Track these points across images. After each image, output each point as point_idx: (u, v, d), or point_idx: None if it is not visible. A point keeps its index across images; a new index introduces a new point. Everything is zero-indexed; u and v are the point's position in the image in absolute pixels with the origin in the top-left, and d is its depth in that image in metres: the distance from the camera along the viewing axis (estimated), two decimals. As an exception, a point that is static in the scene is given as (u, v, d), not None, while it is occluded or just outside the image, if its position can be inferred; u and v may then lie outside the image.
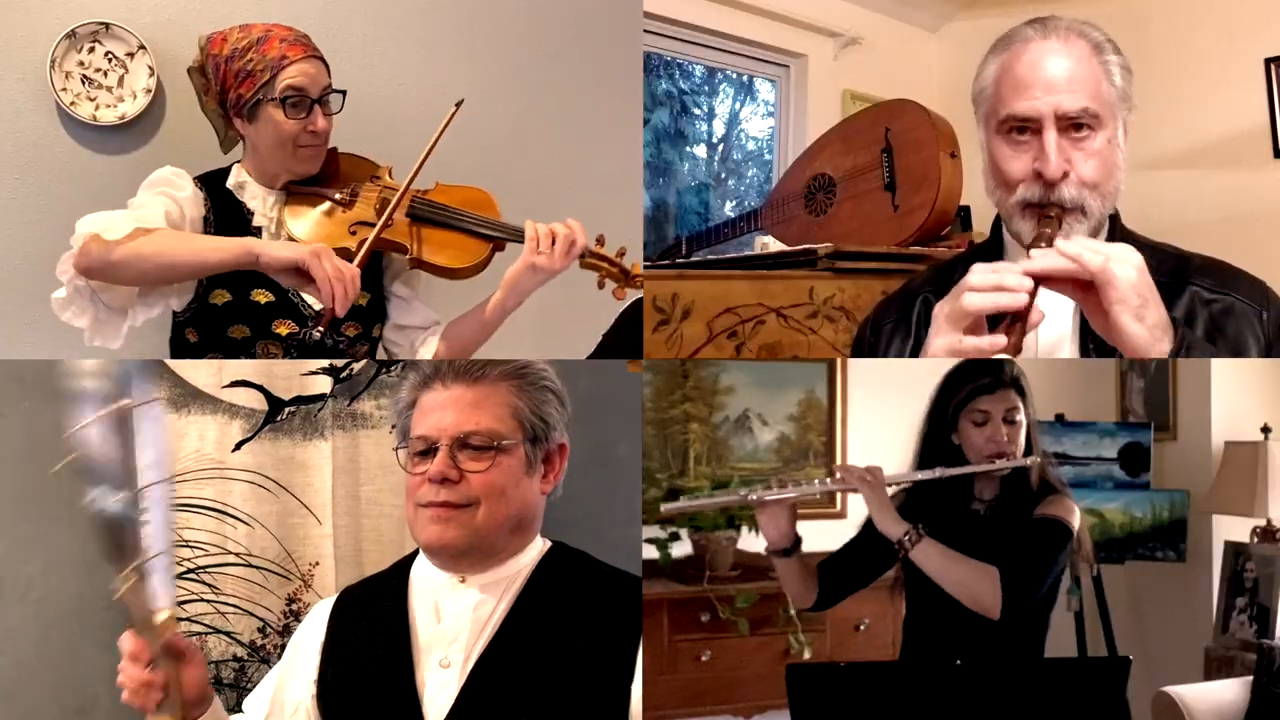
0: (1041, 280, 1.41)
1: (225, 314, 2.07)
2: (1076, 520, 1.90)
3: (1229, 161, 3.59)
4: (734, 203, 4.53)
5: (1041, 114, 1.54)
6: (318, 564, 2.22)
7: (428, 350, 2.23)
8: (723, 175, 4.60)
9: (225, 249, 1.96)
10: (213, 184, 2.13)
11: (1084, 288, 1.41)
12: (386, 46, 2.65)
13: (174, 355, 2.17)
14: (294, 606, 2.21)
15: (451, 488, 1.41)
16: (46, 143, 2.38)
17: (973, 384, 1.90)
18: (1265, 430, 3.26)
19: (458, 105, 2.17)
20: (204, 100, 2.15)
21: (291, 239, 2.10)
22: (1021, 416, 1.91)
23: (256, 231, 2.13)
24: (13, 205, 2.34)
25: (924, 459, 1.98)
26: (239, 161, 2.17)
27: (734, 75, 4.36)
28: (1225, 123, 3.59)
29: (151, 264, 1.93)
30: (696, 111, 4.43)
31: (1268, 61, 3.48)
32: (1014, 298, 1.40)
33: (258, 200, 2.14)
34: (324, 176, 2.17)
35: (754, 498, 1.90)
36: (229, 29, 2.10)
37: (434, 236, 2.17)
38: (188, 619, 2.17)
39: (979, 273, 1.43)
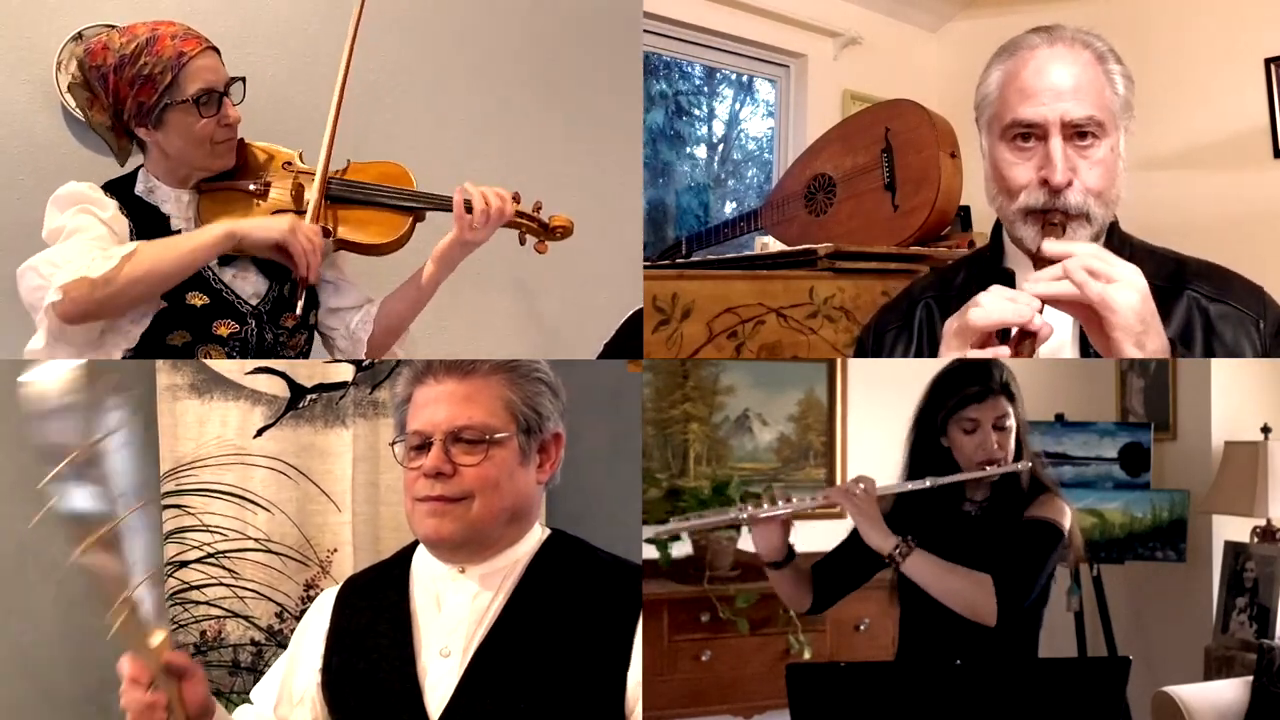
0: (1045, 300, 1.43)
1: (162, 321, 1.98)
2: (1067, 520, 1.91)
3: (1229, 161, 3.59)
4: (734, 203, 4.53)
5: (1048, 120, 1.55)
6: (336, 550, 2.22)
7: (363, 329, 2.18)
8: (722, 176, 4.59)
9: (209, 240, 1.91)
10: (123, 194, 2.03)
11: (1086, 308, 1.41)
12: (387, 43, 2.65)
13: None
14: (312, 592, 2.21)
15: (446, 481, 1.41)
16: (52, 144, 2.38)
17: (961, 392, 1.90)
18: (1265, 430, 3.26)
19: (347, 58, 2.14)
20: (89, 115, 2.04)
21: None
22: (1011, 422, 1.91)
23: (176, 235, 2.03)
24: (19, 205, 2.34)
25: (913, 463, 1.99)
26: (141, 167, 2.08)
27: (733, 75, 4.36)
28: (1225, 123, 3.59)
29: (147, 283, 1.86)
30: (696, 112, 4.43)
31: (1268, 61, 3.48)
32: (1019, 312, 1.41)
33: (170, 203, 2.05)
34: (233, 170, 2.10)
35: (746, 516, 1.91)
36: (107, 35, 1.98)
37: (353, 215, 2.13)
38: (207, 602, 2.17)
39: (987, 292, 1.45)
